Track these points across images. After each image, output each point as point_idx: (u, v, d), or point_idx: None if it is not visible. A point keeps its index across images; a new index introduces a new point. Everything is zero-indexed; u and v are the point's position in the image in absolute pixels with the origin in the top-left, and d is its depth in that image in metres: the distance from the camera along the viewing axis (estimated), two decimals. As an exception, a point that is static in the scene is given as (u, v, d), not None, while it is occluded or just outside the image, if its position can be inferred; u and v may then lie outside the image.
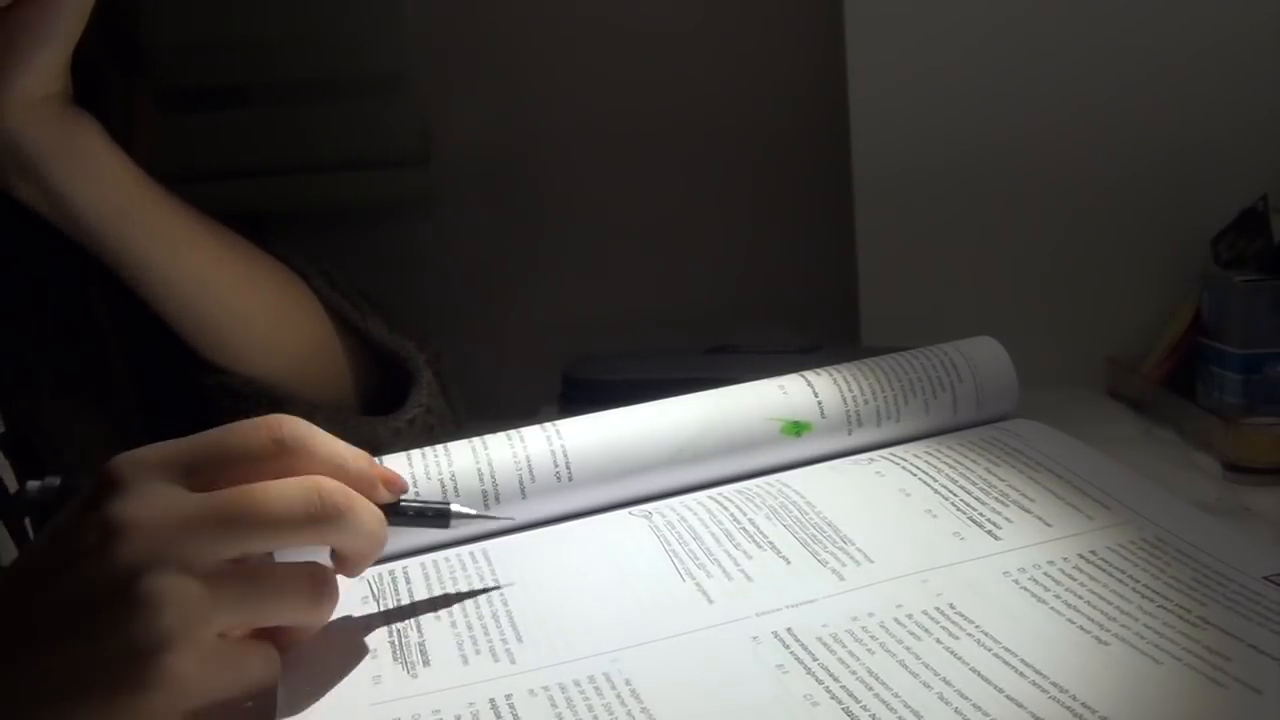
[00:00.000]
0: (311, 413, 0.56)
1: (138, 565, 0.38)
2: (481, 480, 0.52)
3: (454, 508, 0.47)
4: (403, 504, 0.46)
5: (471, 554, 0.50)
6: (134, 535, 0.38)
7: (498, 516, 0.50)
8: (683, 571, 0.47)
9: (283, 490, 0.41)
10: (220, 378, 0.64)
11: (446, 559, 0.50)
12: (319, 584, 0.42)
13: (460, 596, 0.47)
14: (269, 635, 0.42)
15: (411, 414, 0.67)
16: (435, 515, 0.47)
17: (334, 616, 0.46)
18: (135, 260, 0.60)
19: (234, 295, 0.64)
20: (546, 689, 0.41)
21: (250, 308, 0.65)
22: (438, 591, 0.47)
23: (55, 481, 0.44)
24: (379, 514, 0.43)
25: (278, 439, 0.41)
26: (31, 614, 0.39)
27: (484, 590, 0.47)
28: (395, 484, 0.45)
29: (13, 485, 0.58)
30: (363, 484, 0.43)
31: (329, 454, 0.43)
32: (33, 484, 0.44)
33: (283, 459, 0.41)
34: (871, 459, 0.56)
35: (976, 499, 0.51)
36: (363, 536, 0.43)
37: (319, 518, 0.41)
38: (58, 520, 0.41)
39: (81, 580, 0.38)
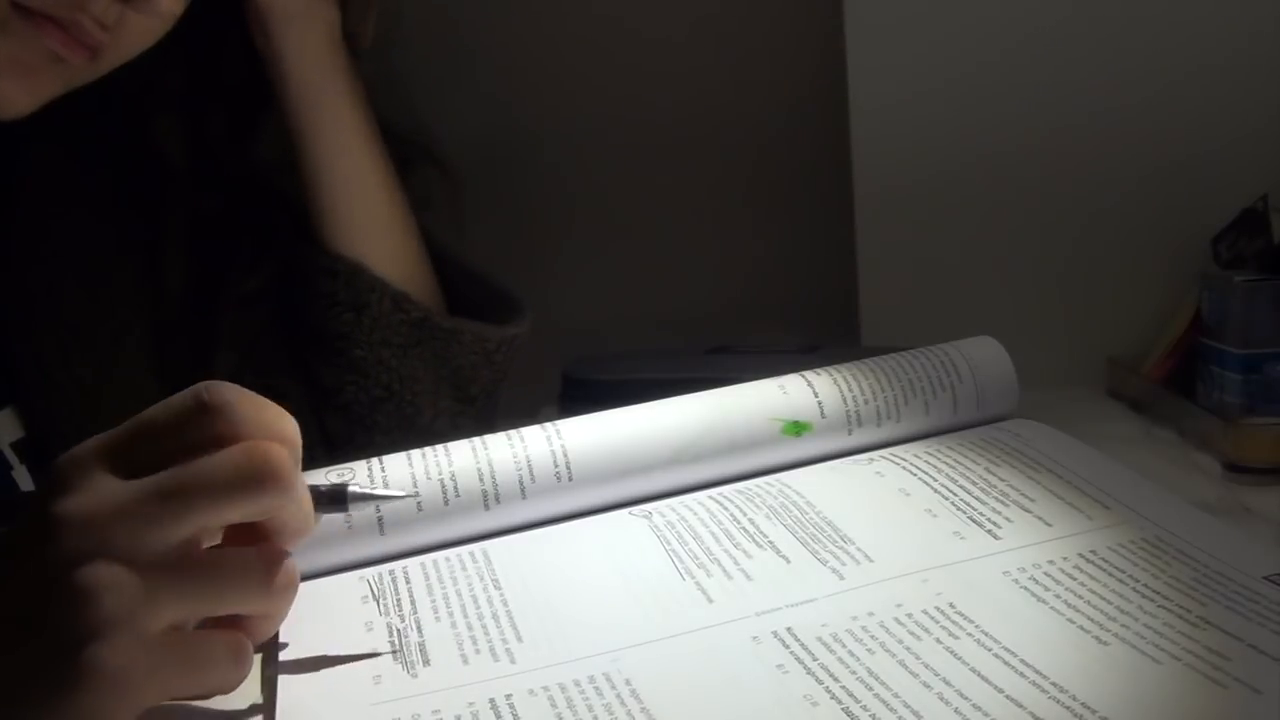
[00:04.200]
0: (398, 299, 0.68)
1: (73, 558, 0.37)
2: (481, 480, 0.52)
3: (351, 489, 0.45)
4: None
5: (471, 554, 0.50)
6: (70, 529, 0.37)
7: (395, 495, 0.47)
8: (683, 571, 0.47)
9: (220, 456, 0.39)
10: (328, 260, 0.69)
11: (447, 559, 0.50)
12: (272, 566, 0.41)
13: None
14: (237, 627, 0.41)
15: (518, 331, 0.72)
16: (331, 497, 0.45)
17: (334, 617, 0.46)
18: (314, 122, 0.69)
19: (377, 191, 0.71)
20: (546, 689, 0.41)
21: (384, 210, 0.71)
22: (438, 592, 0.47)
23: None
24: (305, 486, 0.42)
25: (201, 402, 0.40)
26: None
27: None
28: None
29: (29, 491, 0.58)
30: (292, 444, 0.42)
31: (258, 419, 0.41)
32: None
33: (209, 421, 0.40)
34: (871, 459, 0.56)
35: (976, 499, 0.51)
36: (296, 506, 0.42)
37: (261, 479, 0.39)
38: (11, 529, 0.40)
39: (22, 580, 0.38)
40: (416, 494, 0.47)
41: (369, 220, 0.71)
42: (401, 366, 0.69)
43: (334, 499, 0.45)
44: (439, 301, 0.73)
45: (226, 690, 0.40)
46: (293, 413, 0.42)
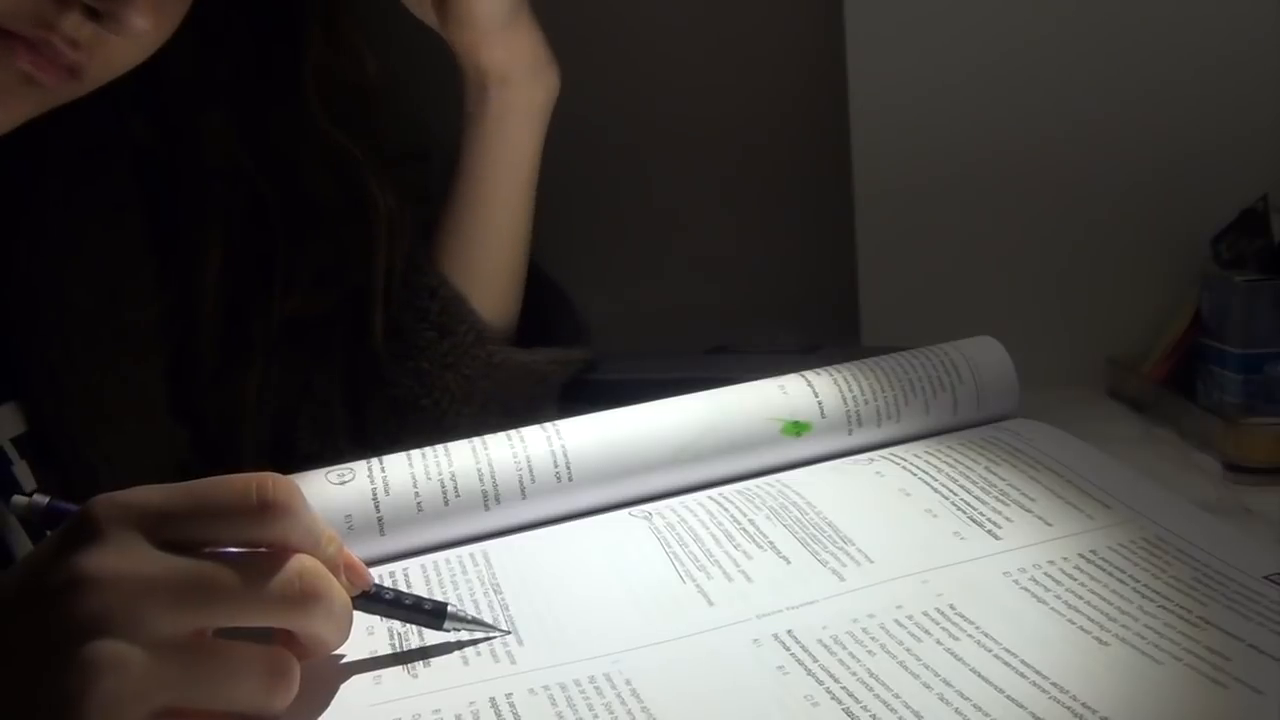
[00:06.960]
0: (482, 335, 0.69)
1: (89, 625, 0.36)
2: (481, 480, 0.52)
3: (451, 608, 0.44)
4: (398, 595, 0.44)
5: (471, 555, 0.50)
6: (95, 591, 0.36)
7: (493, 626, 0.45)
8: (683, 573, 0.47)
9: (259, 568, 0.39)
10: (435, 279, 0.71)
11: (447, 560, 0.50)
12: (278, 669, 0.39)
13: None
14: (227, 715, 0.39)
15: (582, 358, 0.74)
16: (430, 613, 0.44)
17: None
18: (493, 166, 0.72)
19: (514, 242, 0.74)
20: (547, 688, 0.41)
21: (509, 258, 0.74)
22: (438, 592, 0.47)
23: (42, 501, 0.42)
24: (349, 603, 0.42)
25: (265, 500, 0.39)
26: None
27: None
28: (359, 572, 0.43)
29: (30, 487, 0.57)
30: (332, 567, 0.42)
31: (309, 527, 0.41)
32: (19, 499, 0.42)
33: (264, 519, 0.39)
34: (871, 459, 0.56)
35: (977, 499, 0.51)
36: (332, 625, 0.41)
37: (293, 601, 0.39)
38: (37, 551, 0.39)
39: (35, 625, 0.37)
40: (509, 632, 0.45)
41: (492, 264, 0.73)
42: (459, 390, 0.70)
43: (434, 615, 0.44)
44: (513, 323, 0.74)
45: None
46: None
